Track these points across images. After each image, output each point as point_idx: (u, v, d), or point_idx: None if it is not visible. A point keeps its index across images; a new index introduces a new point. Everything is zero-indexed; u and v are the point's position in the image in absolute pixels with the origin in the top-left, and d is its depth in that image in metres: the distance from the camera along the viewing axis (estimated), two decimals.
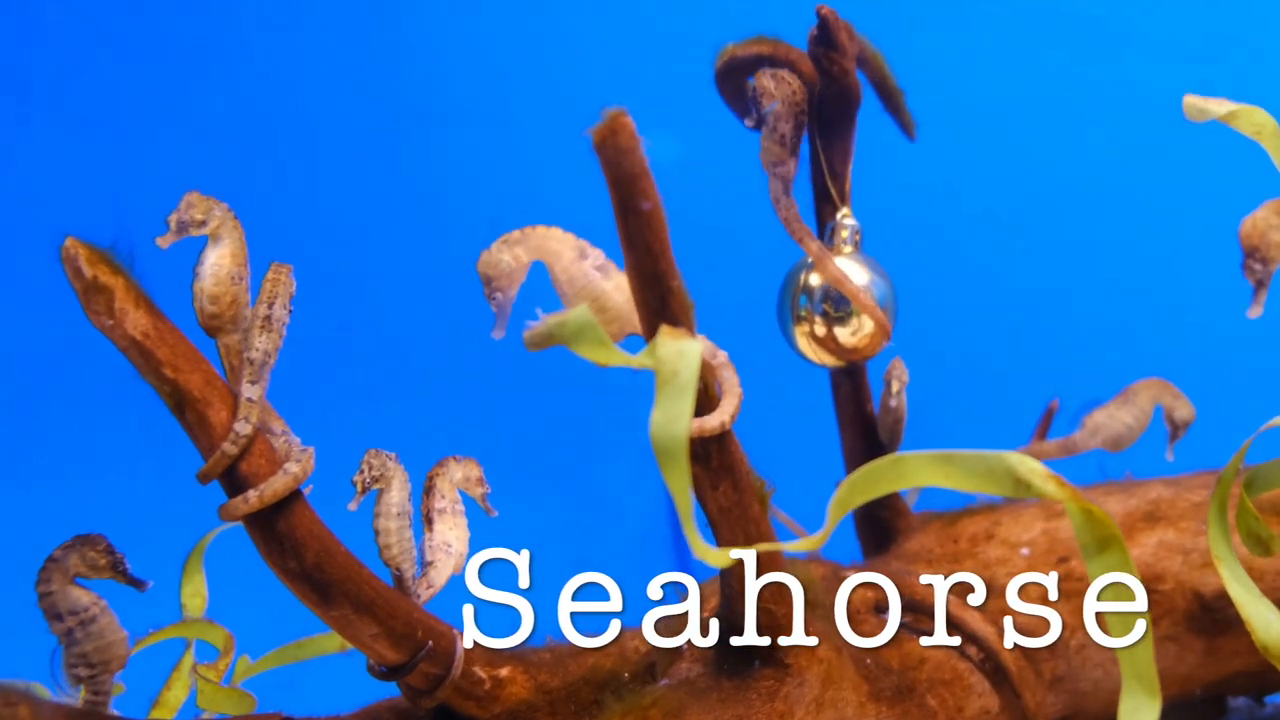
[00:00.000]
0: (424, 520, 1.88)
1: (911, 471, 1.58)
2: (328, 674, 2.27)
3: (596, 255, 1.78)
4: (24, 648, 1.80)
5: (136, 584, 1.69)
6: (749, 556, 1.71)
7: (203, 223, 1.65)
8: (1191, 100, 1.94)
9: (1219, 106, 1.92)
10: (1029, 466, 1.53)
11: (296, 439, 1.73)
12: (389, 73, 3.27)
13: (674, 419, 1.39)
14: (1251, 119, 1.91)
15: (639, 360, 1.46)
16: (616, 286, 1.78)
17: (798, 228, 2.19)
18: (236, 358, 1.69)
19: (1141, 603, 1.57)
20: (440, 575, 1.86)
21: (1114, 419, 2.38)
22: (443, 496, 1.89)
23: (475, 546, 1.92)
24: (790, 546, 1.61)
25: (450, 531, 1.88)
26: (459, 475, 1.91)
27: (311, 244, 3.17)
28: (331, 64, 3.25)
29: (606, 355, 1.46)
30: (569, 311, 1.43)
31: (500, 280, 1.80)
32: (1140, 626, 1.58)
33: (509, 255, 1.79)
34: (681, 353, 1.42)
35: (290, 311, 1.73)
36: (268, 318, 1.68)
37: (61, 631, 1.68)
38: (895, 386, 2.30)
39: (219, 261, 1.67)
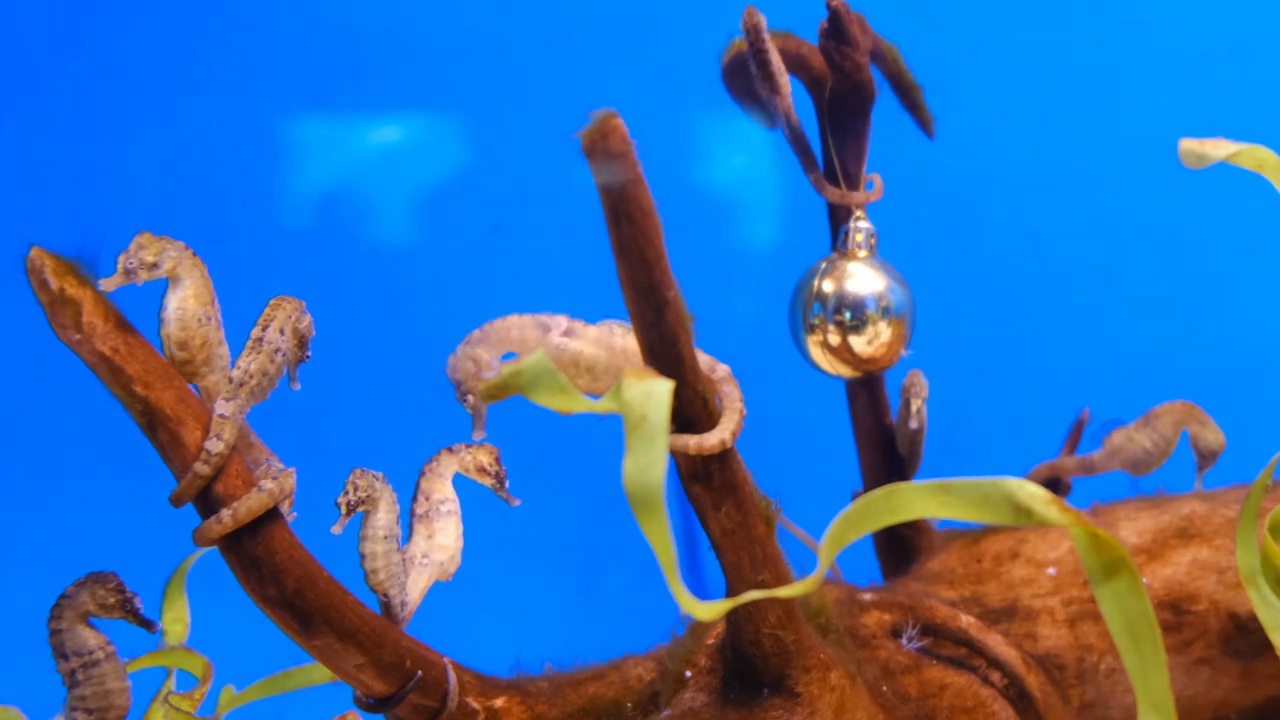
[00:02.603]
0: (410, 528, 1.86)
1: (907, 504, 1.55)
2: (317, 705, 2.25)
3: (558, 323, 1.79)
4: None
5: (146, 625, 1.68)
6: (738, 604, 1.69)
7: (154, 265, 1.60)
8: (1188, 145, 1.93)
9: (1217, 149, 1.91)
10: (1028, 492, 1.50)
11: (279, 464, 1.71)
12: (392, 67, 3.26)
13: (647, 466, 1.36)
14: (1253, 155, 1.91)
15: (603, 405, 1.43)
16: (591, 340, 1.78)
17: (804, 162, 2.25)
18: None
19: (1154, 629, 1.54)
20: (413, 590, 1.83)
21: (1132, 442, 2.35)
22: (425, 498, 1.86)
23: (483, 558, 1.90)
24: (781, 593, 1.59)
25: (427, 540, 1.85)
26: (453, 468, 1.87)
27: (299, 250, 3.16)
28: (328, 57, 3.24)
29: (567, 402, 1.43)
30: (524, 359, 1.40)
31: (469, 382, 1.80)
32: (1155, 655, 1.55)
33: (471, 358, 1.80)
34: (649, 394, 1.39)
35: (307, 354, 1.73)
36: (259, 339, 1.67)
37: (65, 671, 1.68)
38: (915, 405, 2.27)
39: (181, 305, 1.64)
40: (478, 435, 1.82)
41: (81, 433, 2.96)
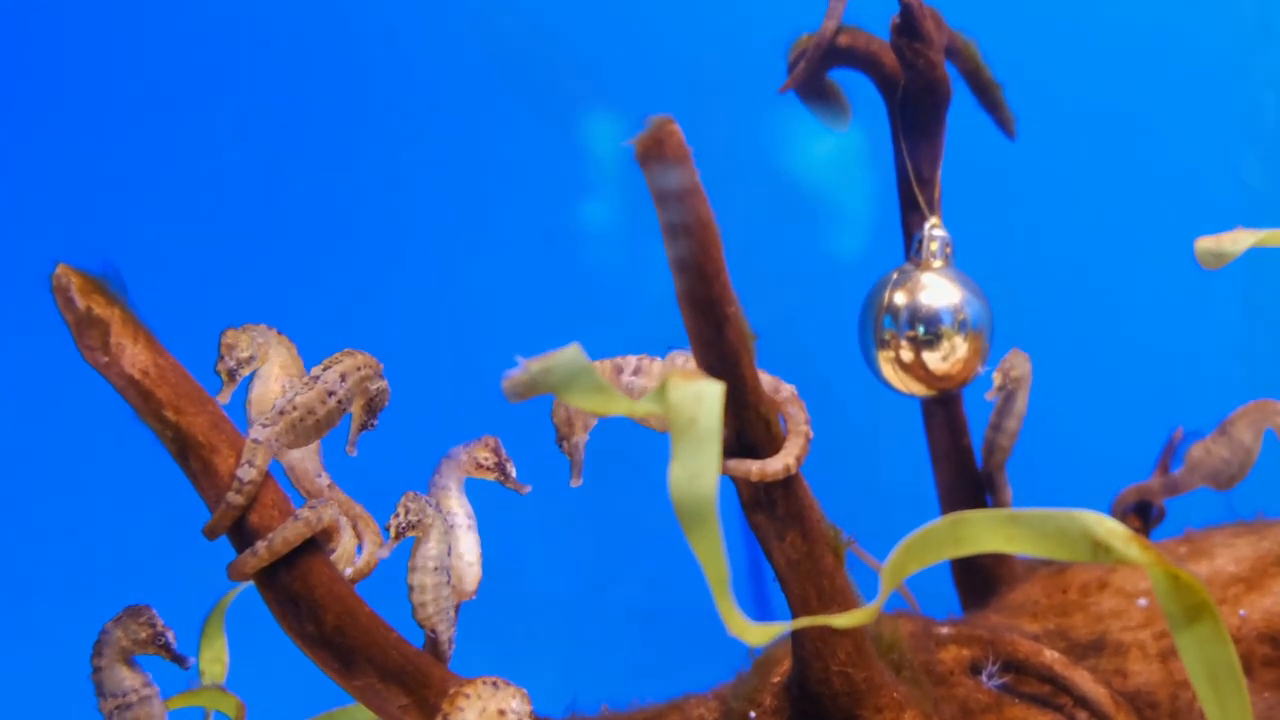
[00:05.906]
0: None
1: (972, 535, 1.52)
2: None
3: (629, 363, 1.78)
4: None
5: (179, 660, 1.68)
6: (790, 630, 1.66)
7: (251, 358, 1.72)
8: (1204, 245, 1.90)
9: (1235, 244, 1.88)
10: (1107, 527, 1.47)
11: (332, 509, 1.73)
12: (429, 73, 3.26)
13: (697, 474, 1.32)
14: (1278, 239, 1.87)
15: (646, 407, 1.40)
16: (655, 376, 1.78)
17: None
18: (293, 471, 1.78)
19: (1239, 681, 1.51)
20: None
21: (1210, 454, 2.31)
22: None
23: (536, 589, 1.88)
24: (837, 621, 1.56)
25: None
26: (456, 476, 1.85)
27: (345, 258, 3.16)
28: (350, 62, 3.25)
29: (605, 403, 1.40)
30: (556, 353, 1.37)
31: (563, 428, 1.80)
32: (1240, 708, 1.51)
33: (564, 403, 1.81)
34: (698, 397, 1.36)
35: (373, 423, 1.77)
36: (315, 378, 1.70)
37: (105, 711, 1.69)
38: (998, 380, 2.24)
39: (266, 371, 1.74)
40: (575, 482, 1.82)
41: (114, 460, 2.97)
